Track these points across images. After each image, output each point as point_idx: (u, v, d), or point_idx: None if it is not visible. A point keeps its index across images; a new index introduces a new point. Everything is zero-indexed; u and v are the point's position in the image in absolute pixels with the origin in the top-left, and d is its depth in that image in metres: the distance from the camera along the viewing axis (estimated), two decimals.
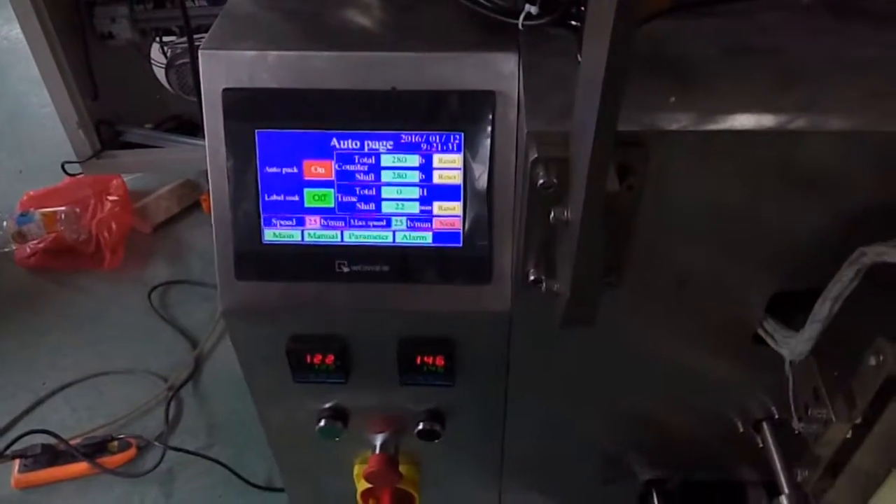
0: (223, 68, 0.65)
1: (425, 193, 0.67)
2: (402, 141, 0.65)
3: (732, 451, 0.83)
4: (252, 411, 0.86)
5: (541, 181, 0.55)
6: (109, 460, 1.50)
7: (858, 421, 0.59)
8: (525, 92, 0.61)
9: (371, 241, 0.68)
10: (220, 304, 0.70)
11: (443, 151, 0.65)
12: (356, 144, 0.66)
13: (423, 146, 0.65)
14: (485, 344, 0.73)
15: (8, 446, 1.50)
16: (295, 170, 0.66)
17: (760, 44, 0.64)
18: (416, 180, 0.66)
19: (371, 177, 0.66)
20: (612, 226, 0.58)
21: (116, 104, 2.17)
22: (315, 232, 0.68)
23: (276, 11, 0.71)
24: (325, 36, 0.67)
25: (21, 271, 2.00)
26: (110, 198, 2.10)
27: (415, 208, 0.67)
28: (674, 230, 0.61)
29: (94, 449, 1.51)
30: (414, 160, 0.66)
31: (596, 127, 0.46)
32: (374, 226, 0.68)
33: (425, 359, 0.73)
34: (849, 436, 0.60)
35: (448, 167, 0.66)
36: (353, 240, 0.68)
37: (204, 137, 0.67)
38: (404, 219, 0.67)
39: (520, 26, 0.62)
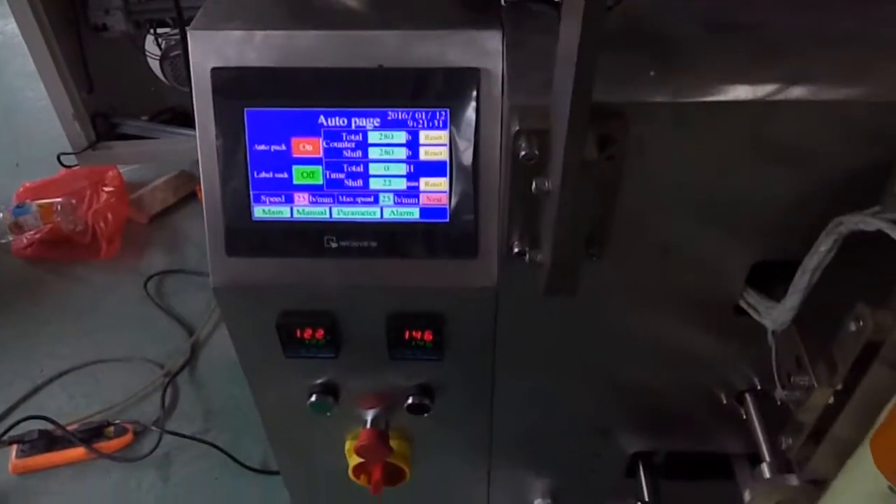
0: (212, 48, 0.66)
1: (412, 170, 0.68)
2: (389, 118, 0.67)
3: (717, 424, 0.84)
4: (248, 397, 0.88)
5: (522, 153, 0.56)
6: (106, 445, 1.52)
7: (840, 387, 0.60)
8: (508, 67, 0.62)
9: (359, 217, 0.69)
10: (212, 280, 0.71)
11: (429, 128, 0.67)
12: (343, 122, 0.67)
13: (410, 123, 0.67)
14: (472, 318, 0.74)
15: (5, 432, 1.52)
16: (283, 147, 0.68)
17: (743, 20, 0.65)
18: (403, 157, 0.68)
19: (358, 153, 0.68)
20: (595, 197, 0.60)
21: (111, 96, 2.18)
22: (304, 208, 0.69)
23: None
24: (311, 15, 0.69)
25: (18, 262, 2.01)
26: (106, 189, 2.11)
27: (402, 184, 0.68)
28: (655, 201, 0.62)
29: (91, 434, 1.53)
30: (401, 137, 0.67)
31: (571, 98, 0.48)
32: (361, 202, 0.69)
33: (413, 334, 0.75)
34: (831, 402, 0.62)
35: (434, 143, 0.67)
36: (342, 216, 0.69)
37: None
38: (391, 195, 0.69)
39: (503, 3, 0.63)
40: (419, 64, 0.65)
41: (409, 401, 0.83)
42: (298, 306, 0.74)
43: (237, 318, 0.76)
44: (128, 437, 1.55)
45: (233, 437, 1.54)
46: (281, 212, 0.69)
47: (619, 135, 0.56)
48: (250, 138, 0.67)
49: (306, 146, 0.68)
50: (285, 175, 0.68)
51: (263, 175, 0.68)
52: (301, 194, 0.69)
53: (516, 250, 0.64)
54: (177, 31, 1.95)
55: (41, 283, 1.96)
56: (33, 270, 2.01)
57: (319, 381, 0.82)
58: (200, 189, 2.21)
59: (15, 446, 1.51)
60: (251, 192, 0.69)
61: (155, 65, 2.14)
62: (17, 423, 1.54)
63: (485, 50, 0.65)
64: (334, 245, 0.70)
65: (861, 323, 0.56)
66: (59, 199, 2.08)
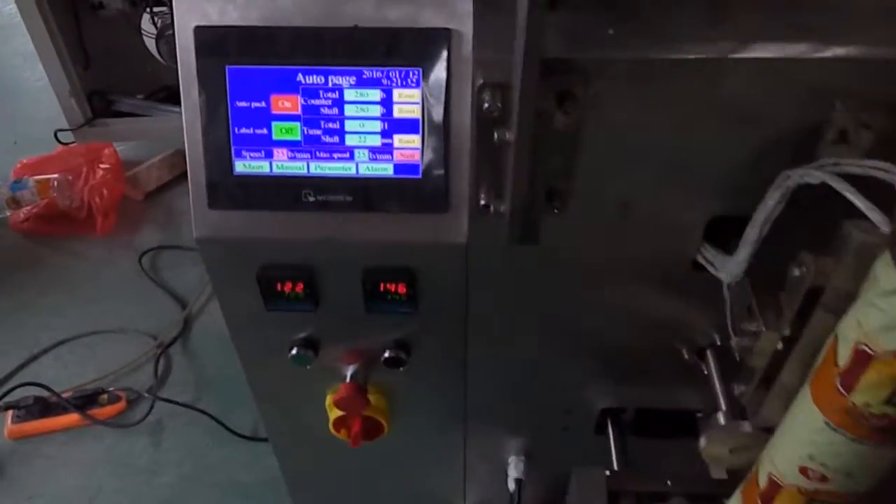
0: (195, 7, 0.69)
1: (386, 127, 0.71)
2: (364, 76, 0.70)
3: (681, 380, 0.87)
4: (238, 367, 0.91)
5: (486, 105, 0.59)
6: (100, 412, 1.56)
7: (787, 333, 0.63)
8: (476, 25, 0.65)
9: (335, 172, 0.72)
10: (195, 231, 0.75)
11: (402, 86, 0.70)
12: (321, 80, 0.70)
13: (384, 81, 0.70)
14: (444, 272, 0.77)
15: (1, 398, 1.55)
16: (263, 104, 0.71)
17: None
18: (378, 114, 0.71)
19: (335, 111, 0.71)
20: (554, 150, 0.63)
21: (108, 75, 2.21)
22: (282, 163, 0.72)
23: None
24: None
25: (15, 236, 2.05)
26: (102, 166, 2.14)
27: (376, 141, 0.71)
28: (614, 157, 0.66)
29: (85, 401, 1.56)
30: (375, 95, 0.70)
31: (523, 52, 0.51)
32: (337, 157, 0.72)
33: (388, 287, 0.78)
34: (779, 347, 0.65)
35: (407, 101, 0.70)
36: (319, 171, 0.72)
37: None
38: (366, 151, 0.72)
39: None
40: (393, 24, 0.68)
41: (386, 355, 0.86)
42: (278, 259, 0.77)
43: (220, 270, 0.79)
44: (121, 405, 1.58)
45: (223, 405, 1.58)
46: (261, 166, 0.72)
47: (577, 90, 0.59)
48: (231, 95, 0.70)
49: (285, 103, 0.71)
50: (265, 131, 0.71)
51: (244, 131, 0.71)
52: (280, 149, 0.72)
53: (483, 202, 0.67)
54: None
55: (38, 257, 2.00)
56: (30, 244, 2.04)
57: (300, 334, 0.86)
58: None
59: (11, 412, 1.55)
60: (232, 147, 0.72)
61: (151, 43, 2.17)
62: (13, 389, 1.57)
63: (456, 12, 0.68)
64: (312, 199, 0.73)
65: (804, 269, 0.59)
66: (55, 175, 2.11)
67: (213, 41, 0.70)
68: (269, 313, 0.82)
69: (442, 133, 0.70)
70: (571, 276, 0.77)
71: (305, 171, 0.73)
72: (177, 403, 1.56)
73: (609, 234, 0.72)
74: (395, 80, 0.69)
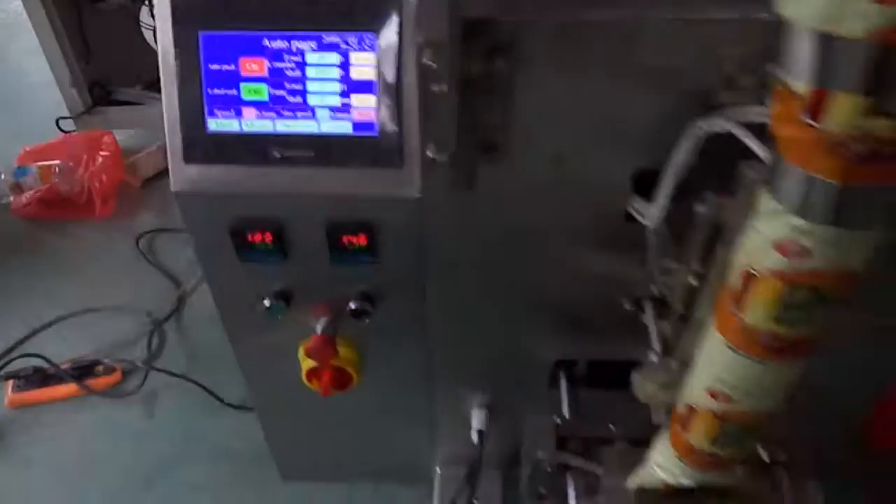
0: None
1: (345, 88, 0.78)
2: (324, 41, 0.77)
3: (627, 332, 0.93)
4: (229, 343, 0.98)
5: (425, 60, 0.66)
6: (96, 382, 1.63)
7: (697, 268, 0.70)
8: None
9: (299, 129, 0.80)
10: (172, 186, 0.82)
11: (359, 50, 0.77)
12: (285, 44, 0.77)
13: (342, 45, 0.77)
14: (401, 225, 0.84)
15: (1, 368, 1.63)
16: (233, 67, 0.78)
17: None
18: (337, 76, 0.78)
19: (298, 73, 0.78)
20: (489, 105, 0.70)
21: (108, 66, 2.30)
22: (251, 122, 0.80)
23: None
24: None
25: (18, 220, 2.13)
26: (102, 153, 2.22)
27: (336, 101, 0.79)
28: (545, 112, 0.72)
29: (82, 372, 1.64)
30: (334, 58, 0.77)
31: (448, 11, 0.58)
32: (301, 116, 0.79)
33: (350, 239, 0.85)
34: (692, 282, 0.72)
35: (363, 64, 0.77)
36: (284, 129, 0.80)
37: None
38: (327, 110, 0.79)
39: None
40: None
41: (352, 307, 0.93)
42: (249, 212, 0.84)
43: (196, 222, 0.86)
44: (116, 376, 1.66)
45: (214, 377, 1.65)
46: (231, 124, 0.80)
47: (505, 48, 0.66)
48: (204, 59, 0.78)
49: (253, 66, 0.78)
50: (235, 92, 0.79)
51: (216, 91, 0.79)
52: (248, 109, 0.79)
53: (430, 155, 0.74)
54: None
55: (39, 240, 2.08)
56: (32, 228, 2.12)
57: (272, 286, 0.92)
58: None
59: (11, 382, 1.62)
60: (205, 107, 0.79)
61: (149, 35, 2.26)
62: (13, 360, 1.65)
63: None
64: (278, 155, 0.80)
65: (707, 207, 0.66)
66: (57, 162, 2.19)
67: (187, 9, 0.77)
68: (243, 265, 0.89)
69: (395, 93, 0.77)
70: (515, 229, 0.84)
71: (272, 128, 0.80)
72: (170, 374, 1.63)
73: (546, 185, 0.79)
74: (351, 44, 0.77)
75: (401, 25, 0.75)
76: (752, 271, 0.59)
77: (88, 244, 2.06)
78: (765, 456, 0.91)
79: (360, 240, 0.85)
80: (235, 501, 1.44)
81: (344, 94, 0.78)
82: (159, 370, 1.64)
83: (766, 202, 0.55)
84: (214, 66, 0.78)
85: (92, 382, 1.63)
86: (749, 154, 0.63)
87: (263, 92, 0.79)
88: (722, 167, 0.68)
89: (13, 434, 1.59)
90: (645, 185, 0.78)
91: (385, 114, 0.78)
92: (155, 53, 0.79)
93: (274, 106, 0.79)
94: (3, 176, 2.17)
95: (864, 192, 0.50)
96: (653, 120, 0.72)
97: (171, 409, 1.62)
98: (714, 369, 0.68)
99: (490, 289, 0.93)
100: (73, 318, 1.83)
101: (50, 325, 1.81)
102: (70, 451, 1.55)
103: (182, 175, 0.82)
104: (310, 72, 0.78)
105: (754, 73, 0.63)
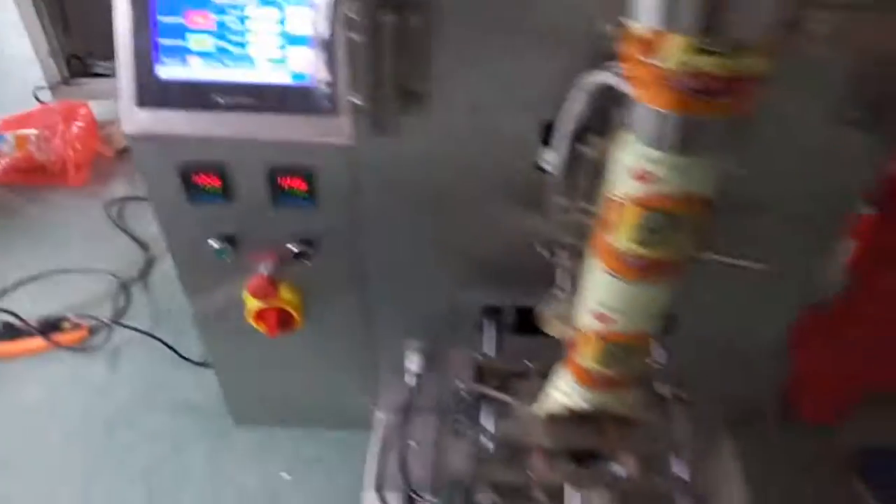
0: None
1: (284, 40, 0.86)
2: None
3: (548, 279, 1.02)
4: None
5: (346, 13, 0.75)
6: (63, 337, 1.70)
7: (584, 206, 0.79)
8: None
9: (241, 79, 0.88)
10: (125, 128, 0.90)
11: (296, 4, 0.85)
12: None
13: (281, 0, 0.85)
14: (335, 170, 0.93)
15: None
16: (181, 19, 0.86)
17: None
18: (276, 29, 0.86)
19: (240, 26, 0.86)
20: (406, 56, 0.78)
21: (86, 39, 2.36)
22: (197, 70, 0.88)
23: None
24: None
25: None
26: (77, 123, 2.28)
27: (275, 53, 0.87)
28: (459, 64, 0.81)
29: (50, 328, 1.71)
30: (273, 12, 0.86)
31: None
32: (243, 66, 0.87)
33: (289, 182, 0.93)
34: (584, 220, 0.80)
35: (300, 18, 0.86)
36: (227, 77, 0.88)
37: None
38: (267, 61, 0.87)
39: None
40: None
41: (293, 249, 1.01)
42: (195, 156, 0.92)
43: (147, 164, 0.94)
44: (83, 332, 1.73)
45: (177, 336, 1.72)
46: (179, 72, 0.88)
47: (419, 3, 0.75)
48: (154, 11, 0.86)
49: (199, 18, 0.86)
50: (182, 42, 0.87)
51: (166, 42, 0.87)
52: (195, 58, 0.87)
53: (358, 103, 0.83)
54: None
55: (13, 205, 2.14)
56: (7, 194, 2.18)
57: (219, 229, 1.01)
58: None
59: None
60: (156, 56, 0.87)
61: None
62: None
63: None
64: (222, 101, 0.89)
65: (591, 149, 0.75)
66: (34, 131, 2.25)
67: None
68: (192, 207, 0.97)
69: (329, 46, 0.85)
70: (440, 180, 0.92)
71: (216, 77, 0.88)
72: (134, 329, 1.71)
73: (464, 138, 0.87)
74: None
75: None
76: (617, 199, 0.68)
77: (61, 210, 2.12)
78: (666, 392, 1.00)
79: (298, 183, 0.93)
80: (192, 449, 1.52)
81: (283, 47, 0.87)
82: (124, 326, 1.72)
83: (624, 136, 0.64)
84: (164, 19, 0.86)
85: (59, 337, 1.70)
86: None
87: (209, 43, 0.87)
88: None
89: None
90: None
91: (319, 65, 0.86)
92: None
93: (218, 56, 0.87)
94: None
95: (698, 123, 0.59)
96: (555, 75, 0.80)
97: (134, 363, 1.69)
98: (595, 293, 0.77)
99: (420, 238, 1.01)
100: (43, 278, 1.90)
101: (21, 284, 1.87)
102: (35, 399, 1.62)
103: (133, 118, 0.90)
104: (250, 25, 0.86)
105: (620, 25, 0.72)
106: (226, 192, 0.95)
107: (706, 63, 0.55)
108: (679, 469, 0.93)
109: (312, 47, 0.86)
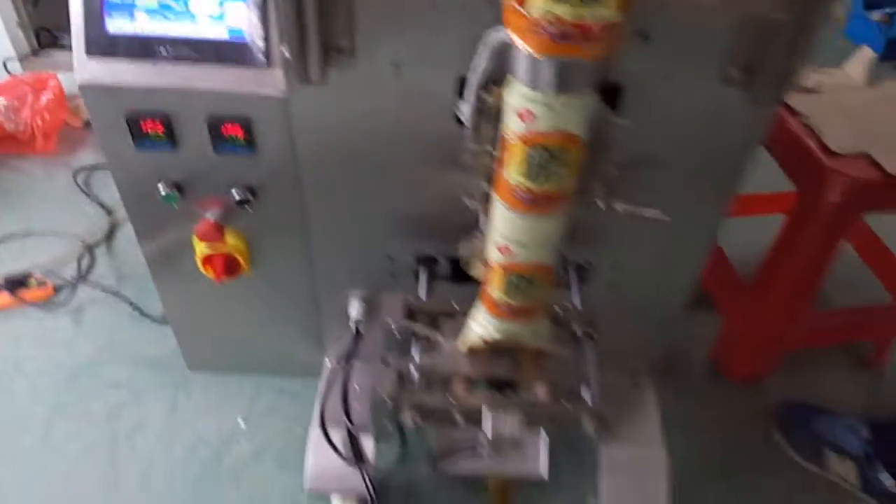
0: None
1: None
2: None
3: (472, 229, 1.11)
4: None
5: None
6: (29, 294, 1.77)
7: (489, 148, 0.87)
8: None
9: (183, 33, 0.96)
10: (77, 78, 0.97)
11: None
12: None
13: None
14: (271, 120, 1.01)
15: None
16: None
17: None
18: None
19: None
20: (331, 9, 0.86)
21: (56, 12, 2.39)
22: (143, 25, 0.95)
23: None
24: None
25: None
26: (46, 94, 2.34)
27: (215, 10, 0.95)
28: (382, 21, 0.89)
29: (16, 285, 1.77)
30: None
31: None
32: (185, 21, 0.95)
33: (229, 130, 1.01)
34: (491, 164, 0.89)
35: None
36: (171, 32, 0.96)
37: None
38: (206, 17, 0.95)
39: None
40: None
41: (236, 196, 1.09)
42: (142, 105, 1.00)
43: (97, 112, 1.02)
44: (48, 290, 1.80)
45: (139, 295, 1.80)
46: (126, 26, 0.95)
47: None
48: None
49: None
50: None
51: None
52: (140, 13, 0.95)
53: (285, 54, 0.91)
54: None
55: None
56: None
57: (166, 175, 1.08)
58: None
59: None
60: (105, 11, 0.95)
61: None
62: None
63: None
64: (166, 54, 0.96)
65: (491, 95, 0.83)
66: (3, 101, 2.30)
67: None
68: (140, 154, 1.05)
69: (262, 3, 0.94)
70: (370, 132, 1.00)
71: (160, 31, 0.96)
72: (98, 287, 1.78)
73: (390, 91, 0.95)
74: None
75: None
76: (508, 138, 0.77)
77: (28, 176, 2.19)
78: (578, 330, 1.09)
79: (237, 131, 1.01)
80: (151, 397, 1.60)
81: (220, 3, 0.95)
82: (88, 282, 1.79)
83: (510, 79, 0.73)
84: None
85: (25, 294, 1.77)
86: None
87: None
88: None
89: None
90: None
91: (253, 21, 0.95)
92: None
93: (162, 11, 0.95)
94: None
95: (566, 64, 0.68)
96: (466, 33, 0.89)
97: (97, 320, 1.76)
98: (498, 228, 0.87)
99: (355, 190, 1.09)
100: (10, 240, 1.96)
101: None
102: (1, 352, 1.69)
103: (85, 68, 0.97)
104: None
105: None
106: (171, 139, 1.03)
107: (562, 11, 0.64)
108: (587, 396, 1.03)
109: (248, 4, 0.94)
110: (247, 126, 1.01)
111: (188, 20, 0.95)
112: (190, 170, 1.08)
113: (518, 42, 0.69)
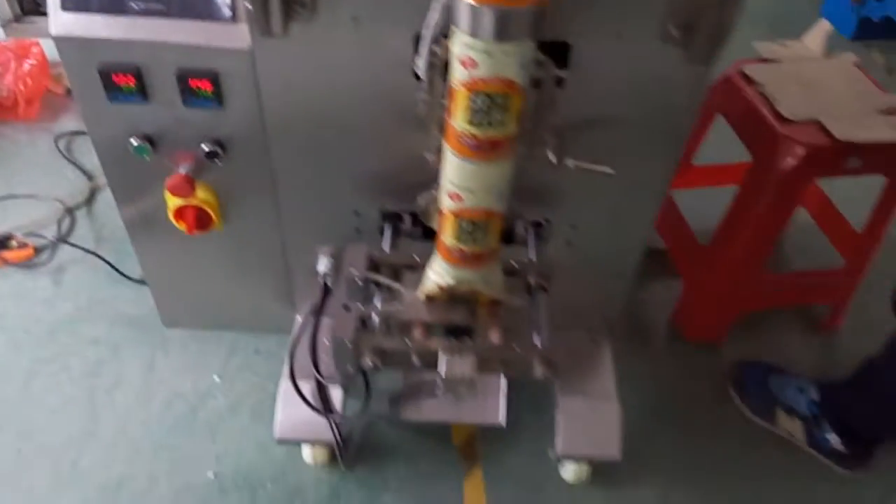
0: None
1: None
2: None
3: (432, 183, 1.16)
4: None
5: None
6: (10, 255, 1.81)
7: (442, 100, 0.92)
8: None
9: None
10: (52, 30, 1.01)
11: None
12: None
13: None
14: (238, 72, 1.05)
15: None
16: None
17: None
18: None
19: None
20: None
21: None
22: None
23: None
24: None
25: None
26: (28, 61, 2.36)
27: None
28: None
29: None
30: None
31: None
32: None
33: (197, 83, 1.06)
34: (443, 115, 0.94)
35: None
36: None
37: None
38: None
39: None
40: None
41: (205, 149, 1.14)
42: (113, 57, 1.04)
43: (72, 64, 1.06)
44: (29, 251, 1.84)
45: (118, 257, 1.84)
46: None
47: None
48: None
49: None
50: None
51: None
52: None
53: (247, 6, 0.95)
54: None
55: None
56: None
57: (138, 128, 1.13)
58: None
59: None
60: None
61: None
62: None
63: None
64: (136, 7, 1.00)
65: (439, 48, 0.88)
66: None
67: None
68: (113, 106, 1.09)
69: None
70: (333, 88, 1.05)
71: None
72: (78, 247, 1.82)
73: (351, 45, 1.00)
74: None
75: None
76: (453, 86, 0.82)
77: (10, 142, 2.21)
78: (532, 281, 1.15)
79: (206, 84, 1.06)
80: (129, 354, 1.65)
81: None
82: (68, 243, 1.83)
83: (454, 30, 0.78)
84: None
85: (6, 254, 1.81)
86: None
87: None
88: None
89: None
90: None
91: None
92: None
93: None
94: None
95: (503, 13, 0.73)
96: None
97: (77, 280, 1.81)
98: (449, 175, 0.92)
99: (320, 146, 1.14)
100: None
101: None
102: None
103: (59, 21, 1.01)
104: None
105: None
106: (142, 92, 1.07)
107: None
108: (537, 342, 1.08)
109: None
110: (214, 80, 1.05)
111: None
112: (161, 123, 1.12)
113: None
